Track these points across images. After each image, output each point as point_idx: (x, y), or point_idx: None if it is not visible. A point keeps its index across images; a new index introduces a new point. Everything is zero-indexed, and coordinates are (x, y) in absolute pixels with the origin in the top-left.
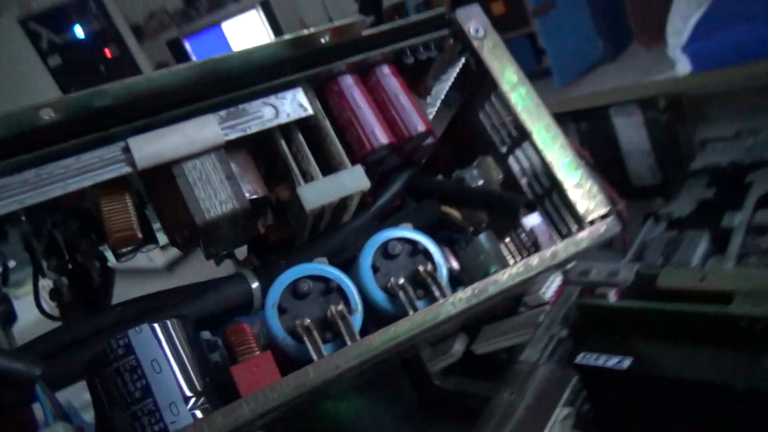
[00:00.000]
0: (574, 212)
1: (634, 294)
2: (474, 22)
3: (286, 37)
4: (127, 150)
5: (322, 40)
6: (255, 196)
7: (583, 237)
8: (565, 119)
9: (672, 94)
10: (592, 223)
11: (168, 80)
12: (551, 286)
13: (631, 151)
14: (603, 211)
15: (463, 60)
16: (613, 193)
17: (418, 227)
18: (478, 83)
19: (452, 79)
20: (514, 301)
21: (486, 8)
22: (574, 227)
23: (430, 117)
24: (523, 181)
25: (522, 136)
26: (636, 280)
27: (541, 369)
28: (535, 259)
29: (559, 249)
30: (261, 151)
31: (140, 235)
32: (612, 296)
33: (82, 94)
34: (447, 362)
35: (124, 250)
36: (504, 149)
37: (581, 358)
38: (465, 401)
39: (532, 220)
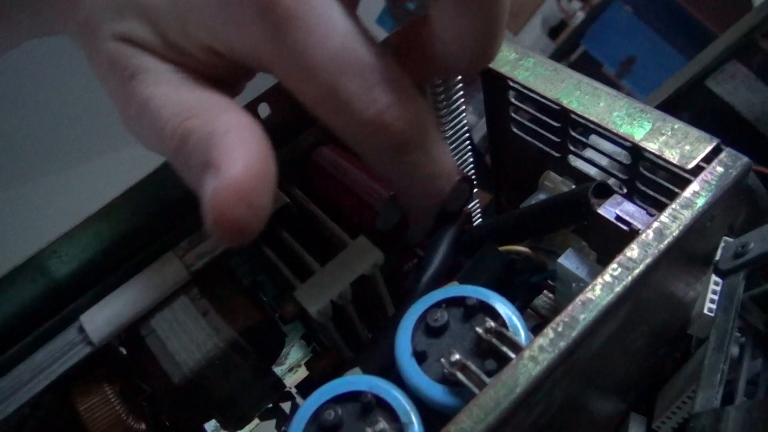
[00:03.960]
0: (668, 170)
1: None
2: None
3: None
4: (81, 329)
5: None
6: (248, 323)
7: (696, 191)
8: None
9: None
10: (698, 171)
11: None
12: (710, 296)
13: (760, 116)
14: (707, 148)
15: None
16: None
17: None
18: (488, 90)
19: (460, 101)
20: (678, 341)
21: None
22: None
23: (459, 155)
24: (595, 173)
25: (560, 117)
26: None
27: (731, 415)
28: (634, 251)
29: (665, 221)
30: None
31: (138, 425)
32: None
33: None
34: None
35: None
36: (557, 151)
37: None
38: None
39: (615, 207)
